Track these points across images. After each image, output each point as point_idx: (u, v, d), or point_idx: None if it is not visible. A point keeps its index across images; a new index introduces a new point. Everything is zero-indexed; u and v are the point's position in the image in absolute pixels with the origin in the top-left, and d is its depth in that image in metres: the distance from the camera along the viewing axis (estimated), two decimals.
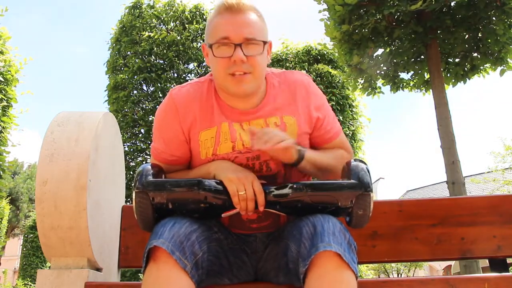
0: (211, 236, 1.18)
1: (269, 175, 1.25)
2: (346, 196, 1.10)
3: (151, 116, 8.97)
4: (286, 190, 1.12)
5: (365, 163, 1.16)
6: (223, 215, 1.17)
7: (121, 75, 9.00)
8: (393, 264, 17.19)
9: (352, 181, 1.11)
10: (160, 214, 1.14)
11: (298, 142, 1.25)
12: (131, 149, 8.83)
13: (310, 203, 1.11)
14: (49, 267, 1.39)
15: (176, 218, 1.12)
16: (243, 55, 1.15)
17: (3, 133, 5.46)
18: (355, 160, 1.19)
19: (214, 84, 1.27)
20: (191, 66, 9.44)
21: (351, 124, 9.02)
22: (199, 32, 9.42)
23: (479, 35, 5.09)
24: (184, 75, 9.32)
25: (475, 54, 5.29)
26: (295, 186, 1.11)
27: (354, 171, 1.13)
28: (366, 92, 5.86)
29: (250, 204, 1.13)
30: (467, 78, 5.48)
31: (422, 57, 5.41)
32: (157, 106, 9.07)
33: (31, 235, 16.21)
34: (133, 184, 1.14)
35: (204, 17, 9.65)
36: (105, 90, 9.46)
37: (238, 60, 1.15)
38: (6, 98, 5.49)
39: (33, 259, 15.78)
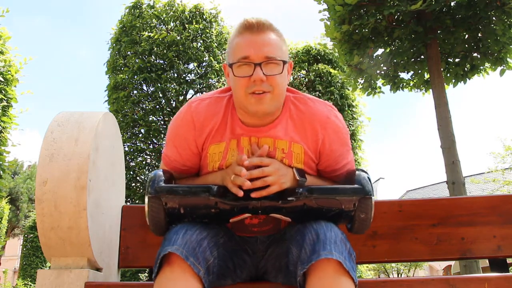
0: (219, 242, 1.21)
1: None
2: (349, 200, 1.15)
3: (151, 116, 8.97)
4: (292, 195, 1.16)
5: (366, 173, 1.22)
6: (231, 220, 1.21)
7: (121, 75, 9.00)
8: (393, 264, 17.19)
9: (355, 186, 1.17)
10: (171, 218, 1.18)
11: (304, 169, 1.28)
12: (131, 149, 8.83)
13: (315, 206, 1.16)
14: (49, 267, 1.39)
15: (188, 225, 1.16)
16: (262, 75, 1.16)
17: (3, 133, 5.46)
18: (357, 169, 1.24)
19: (233, 100, 1.28)
20: (191, 66, 9.44)
21: (351, 124, 9.02)
22: (199, 32, 9.42)
23: (479, 35, 5.09)
24: (184, 75, 9.32)
25: (475, 54, 5.30)
26: (300, 190, 1.16)
27: (356, 178, 1.19)
28: (366, 92, 5.86)
29: (236, 170, 1.15)
30: (467, 78, 5.48)
31: (422, 57, 5.41)
32: (157, 106, 9.09)
33: (31, 235, 16.21)
34: (145, 190, 1.18)
35: (204, 17, 9.65)
36: (105, 90, 9.46)
37: (257, 79, 1.16)
38: (6, 98, 5.49)
39: (33, 259, 15.78)
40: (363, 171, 1.23)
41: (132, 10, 9.63)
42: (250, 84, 1.17)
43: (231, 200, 1.17)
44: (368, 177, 1.19)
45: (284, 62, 1.20)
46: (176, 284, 1.04)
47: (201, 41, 9.46)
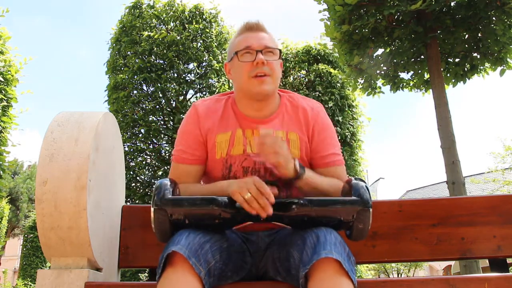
0: (222, 245, 1.24)
1: (273, 179, 1.37)
2: (348, 211, 1.19)
3: (151, 116, 8.97)
4: (293, 206, 1.20)
5: (364, 182, 1.26)
6: (234, 228, 1.25)
7: (121, 75, 8.99)
8: (393, 264, 17.18)
9: (354, 197, 1.20)
10: (176, 228, 1.21)
11: (301, 157, 1.40)
12: (131, 149, 8.82)
13: (315, 217, 1.20)
14: (49, 267, 1.39)
15: (191, 229, 1.19)
16: (263, 59, 1.35)
17: (3, 133, 5.45)
18: (355, 178, 1.27)
19: (232, 98, 1.47)
20: (191, 66, 9.43)
21: (351, 125, 9.01)
22: (199, 32, 9.42)
23: (479, 35, 5.08)
24: (184, 75, 9.32)
25: (475, 54, 5.29)
26: (301, 201, 1.20)
27: (355, 189, 1.22)
28: (366, 92, 5.86)
29: (260, 201, 1.17)
30: (467, 78, 5.47)
31: (422, 57, 5.41)
32: (157, 106, 9.09)
33: (31, 235, 16.20)
34: (151, 199, 1.21)
35: (204, 17, 9.65)
36: (105, 90, 9.45)
37: (259, 62, 1.34)
38: (6, 98, 5.49)
39: (33, 259, 15.78)
40: (361, 180, 1.26)
41: (132, 10, 9.62)
42: (253, 68, 1.35)
43: (234, 209, 1.20)
44: (366, 186, 1.23)
45: (280, 51, 1.41)
46: (177, 284, 1.05)
47: (201, 41, 9.45)
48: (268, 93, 1.38)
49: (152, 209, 1.19)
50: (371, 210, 1.18)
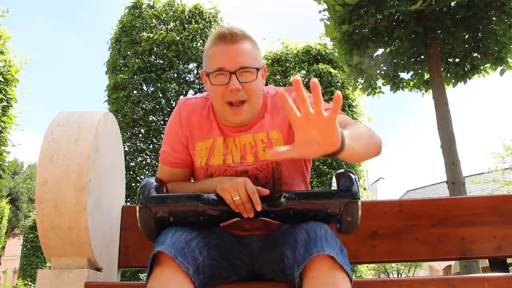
0: (210, 242, 1.22)
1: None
2: (335, 204, 1.16)
3: (151, 116, 8.97)
4: (279, 200, 1.18)
5: (353, 173, 1.23)
6: (221, 225, 1.23)
7: (121, 75, 8.99)
8: (393, 264, 17.19)
9: (341, 189, 1.18)
10: (162, 226, 1.20)
11: None
12: (131, 149, 8.83)
13: (302, 210, 1.18)
14: (49, 267, 1.39)
15: (177, 227, 1.18)
16: (238, 84, 1.22)
17: (3, 133, 5.46)
18: (344, 170, 1.25)
19: None
20: (190, 66, 9.44)
21: None
22: (199, 32, 9.42)
23: (479, 35, 5.09)
24: (184, 75, 9.32)
25: (475, 54, 5.29)
26: (287, 195, 1.18)
27: (342, 181, 1.20)
28: (366, 92, 5.86)
29: (247, 206, 1.18)
30: (467, 78, 5.48)
31: (422, 57, 5.41)
32: (157, 106, 9.10)
33: (31, 235, 16.22)
34: (137, 197, 1.21)
35: (204, 16, 9.65)
36: (105, 90, 9.46)
37: (234, 89, 1.22)
38: (6, 98, 5.49)
39: (33, 259, 15.79)
40: (350, 171, 1.23)
41: (132, 10, 9.63)
42: (227, 93, 1.24)
43: (219, 206, 1.19)
44: (355, 178, 1.19)
45: (258, 69, 1.26)
46: (166, 284, 1.04)
47: (201, 41, 9.46)
48: (245, 122, 1.30)
49: (137, 207, 1.18)
50: (359, 202, 1.15)
